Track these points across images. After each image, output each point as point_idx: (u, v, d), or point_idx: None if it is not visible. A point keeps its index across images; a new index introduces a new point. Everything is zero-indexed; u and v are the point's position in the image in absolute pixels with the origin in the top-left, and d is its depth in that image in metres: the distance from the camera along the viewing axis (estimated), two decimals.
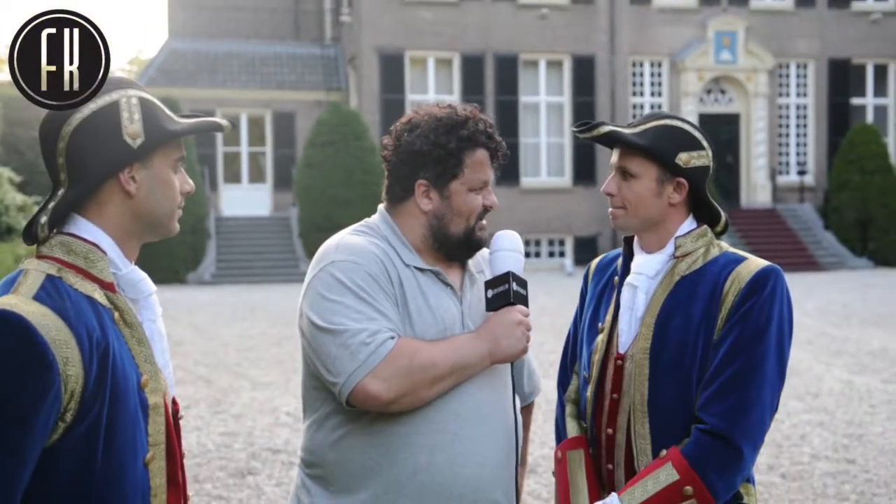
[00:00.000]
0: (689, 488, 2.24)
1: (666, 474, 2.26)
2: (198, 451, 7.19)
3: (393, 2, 26.00)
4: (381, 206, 2.47)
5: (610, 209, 2.47)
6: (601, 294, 2.58)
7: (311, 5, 32.83)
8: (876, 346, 12.09)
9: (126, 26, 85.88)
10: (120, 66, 44.51)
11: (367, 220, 2.47)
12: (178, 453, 1.93)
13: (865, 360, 11.04)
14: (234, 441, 7.56)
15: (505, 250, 2.39)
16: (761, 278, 2.32)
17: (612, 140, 2.43)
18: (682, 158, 2.40)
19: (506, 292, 2.32)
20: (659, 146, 2.39)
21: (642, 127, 2.43)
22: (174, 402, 1.96)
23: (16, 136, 35.86)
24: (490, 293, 2.35)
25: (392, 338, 2.21)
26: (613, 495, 2.32)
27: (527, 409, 2.66)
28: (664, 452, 2.31)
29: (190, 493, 2.13)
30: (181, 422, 2.00)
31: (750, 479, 2.40)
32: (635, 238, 2.52)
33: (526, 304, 2.37)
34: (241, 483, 6.42)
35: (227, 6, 30.39)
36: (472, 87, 26.15)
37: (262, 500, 6.08)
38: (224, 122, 1.99)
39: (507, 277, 2.33)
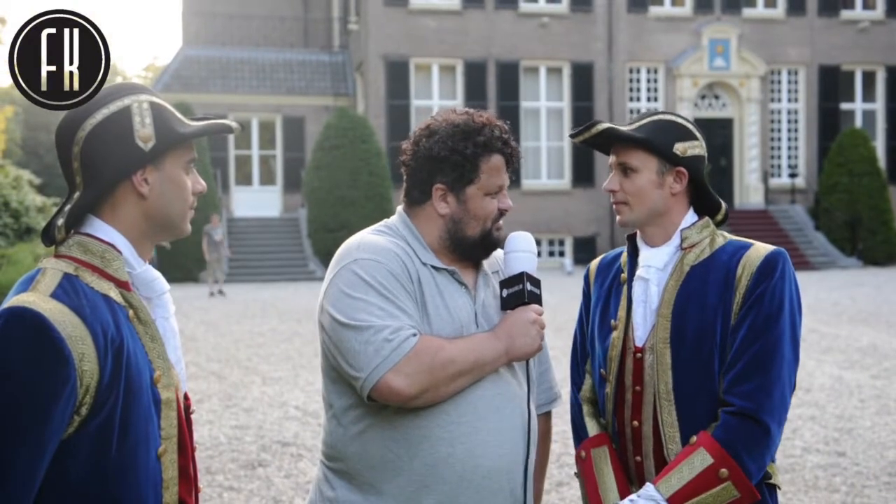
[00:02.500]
0: (724, 470, 2.24)
1: (700, 459, 2.26)
2: (210, 444, 7.25)
3: (399, 11, 26.22)
4: (399, 208, 2.48)
5: (614, 206, 2.50)
6: (608, 292, 2.57)
7: (320, 14, 32.92)
8: (865, 342, 12.09)
9: (142, 35, 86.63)
10: (136, 72, 44.57)
11: (385, 220, 2.48)
12: (189, 447, 1.94)
13: (855, 356, 11.07)
14: (244, 434, 7.61)
15: (520, 251, 2.41)
16: (771, 261, 2.35)
17: (609, 138, 2.45)
18: (679, 148, 2.43)
19: (520, 292, 2.35)
20: (657, 138, 2.42)
21: (637, 124, 2.46)
22: (186, 396, 1.97)
23: (36, 139, 36.29)
24: (505, 293, 2.37)
25: (414, 335, 2.21)
26: (649, 485, 2.30)
27: (544, 417, 2.62)
28: (694, 438, 2.31)
29: (202, 484, 2.10)
30: (193, 416, 2.00)
31: (772, 458, 2.41)
32: (638, 234, 2.53)
33: (540, 304, 2.39)
34: (252, 475, 6.49)
35: (239, 15, 30.19)
36: (474, 92, 26.33)
37: (272, 490, 6.13)
38: (233, 123, 1.98)
39: (521, 277, 2.36)
